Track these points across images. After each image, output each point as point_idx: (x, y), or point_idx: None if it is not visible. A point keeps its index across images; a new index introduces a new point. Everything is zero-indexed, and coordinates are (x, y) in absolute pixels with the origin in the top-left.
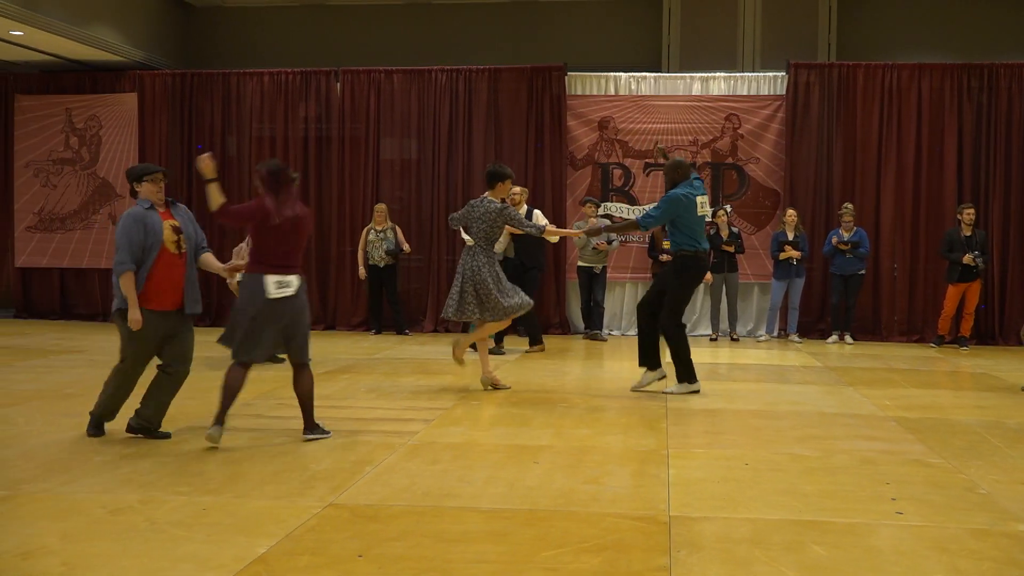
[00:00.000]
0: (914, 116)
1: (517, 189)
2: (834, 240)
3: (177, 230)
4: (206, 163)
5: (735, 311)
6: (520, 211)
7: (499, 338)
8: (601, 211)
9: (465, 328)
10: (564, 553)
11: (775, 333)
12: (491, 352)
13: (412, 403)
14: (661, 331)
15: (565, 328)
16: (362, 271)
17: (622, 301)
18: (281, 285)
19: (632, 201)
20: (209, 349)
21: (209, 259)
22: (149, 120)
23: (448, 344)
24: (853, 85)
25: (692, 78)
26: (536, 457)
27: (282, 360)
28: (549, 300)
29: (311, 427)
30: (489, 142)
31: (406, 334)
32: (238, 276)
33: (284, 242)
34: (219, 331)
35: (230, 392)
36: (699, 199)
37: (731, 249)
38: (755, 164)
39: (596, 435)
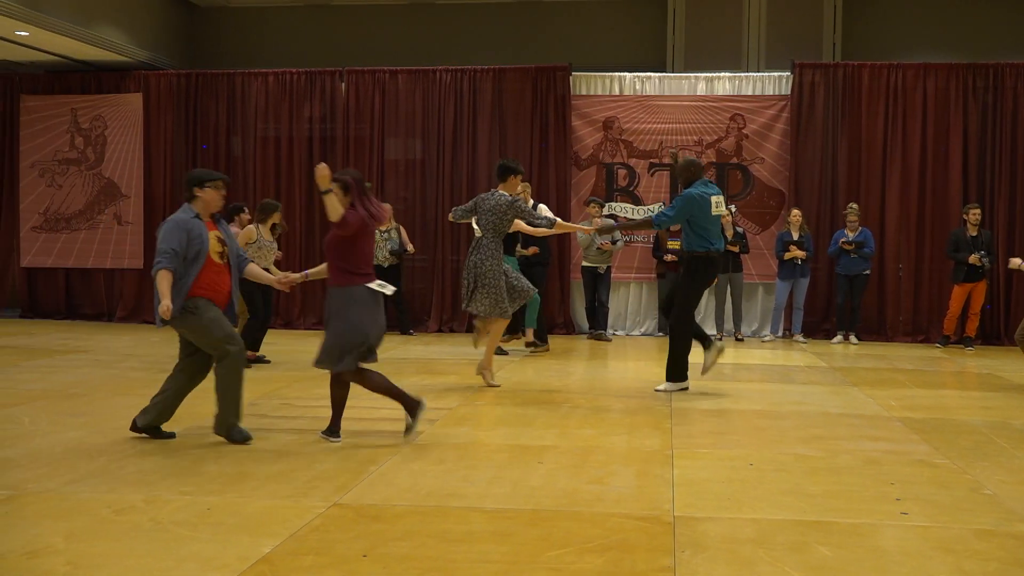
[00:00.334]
0: (919, 116)
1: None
2: (840, 240)
3: (222, 241)
4: (323, 174)
5: (740, 311)
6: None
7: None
8: (605, 211)
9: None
10: (568, 553)
11: (780, 333)
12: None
13: None
14: (669, 328)
15: (569, 328)
16: None
17: (626, 301)
18: (381, 285)
19: (637, 201)
20: None
21: (255, 269)
22: (154, 120)
23: (451, 345)
24: (858, 85)
25: (697, 78)
26: (540, 457)
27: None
28: (553, 300)
29: (411, 406)
30: (493, 142)
31: (410, 334)
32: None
33: (370, 249)
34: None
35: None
36: (714, 198)
37: (736, 249)
38: (760, 164)
39: (600, 435)
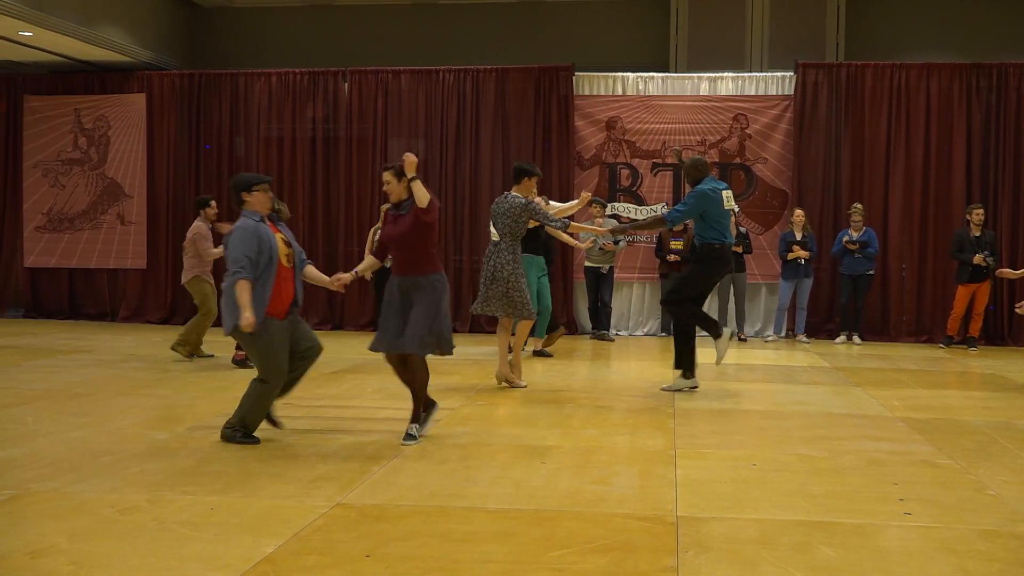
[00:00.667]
0: (923, 116)
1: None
2: (844, 240)
3: (287, 243)
4: (411, 161)
5: (743, 311)
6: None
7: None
8: (608, 211)
9: (474, 328)
10: (571, 553)
11: (783, 333)
12: (538, 354)
13: None
14: (665, 302)
15: (572, 328)
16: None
17: (629, 301)
18: None
19: (639, 201)
20: (219, 349)
21: (313, 271)
22: (157, 120)
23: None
24: (861, 85)
25: (700, 78)
26: (543, 457)
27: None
28: (557, 300)
29: (427, 406)
30: (496, 142)
31: None
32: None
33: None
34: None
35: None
36: (724, 193)
37: (739, 249)
38: (763, 164)
39: (603, 435)
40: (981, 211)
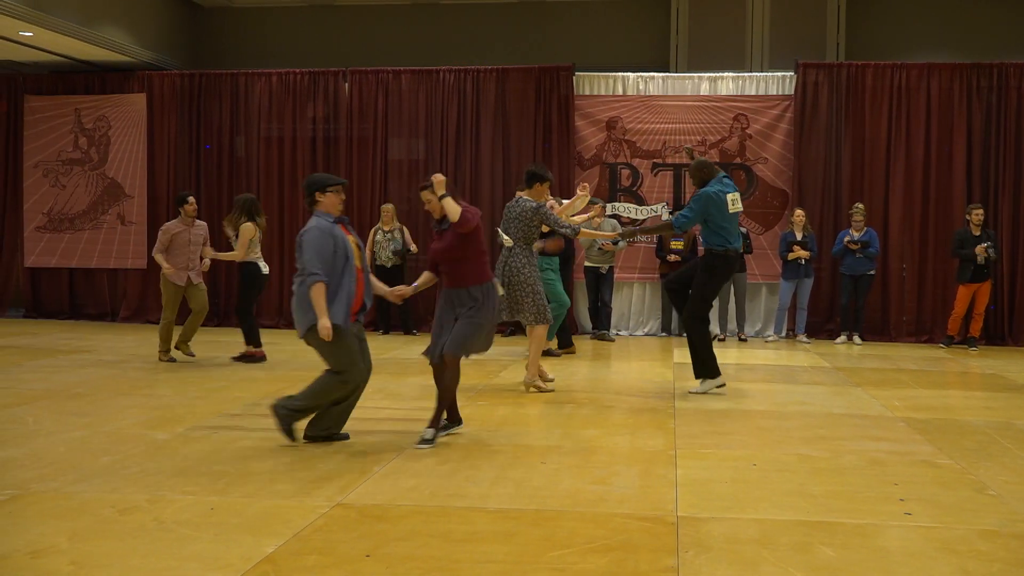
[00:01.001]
0: (923, 116)
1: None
2: (845, 240)
3: (358, 245)
4: (440, 180)
5: (743, 311)
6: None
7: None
8: (608, 212)
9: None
10: (571, 553)
11: (783, 333)
12: (547, 354)
13: (420, 403)
14: (683, 324)
15: (573, 328)
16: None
17: (630, 301)
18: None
19: (640, 201)
20: (221, 349)
21: (372, 280)
22: (158, 120)
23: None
24: (862, 85)
25: (700, 78)
26: (543, 457)
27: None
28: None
29: (453, 418)
30: (497, 142)
31: (414, 334)
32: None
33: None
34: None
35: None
36: (730, 196)
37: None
38: (763, 164)
39: (603, 435)
40: (981, 211)
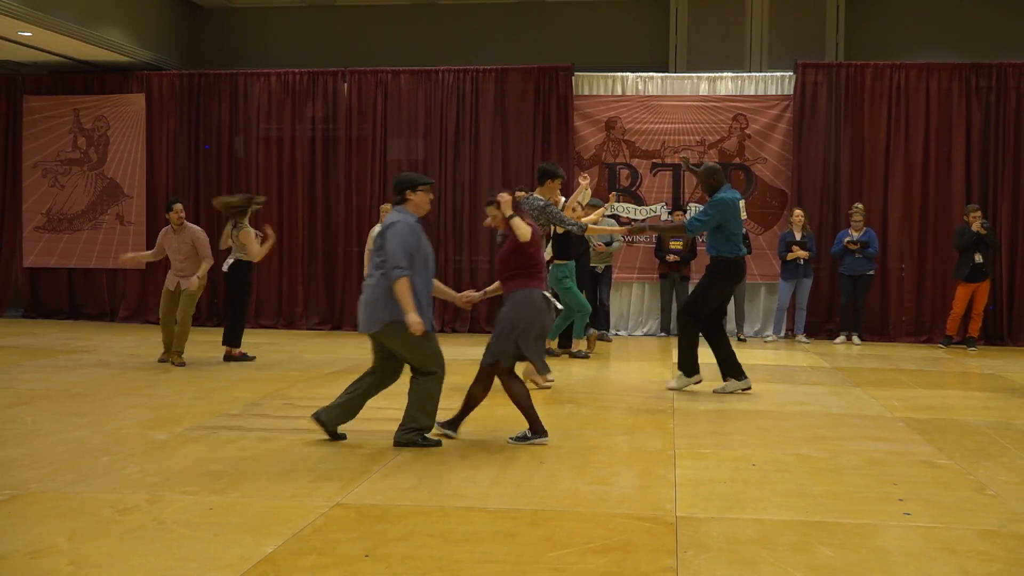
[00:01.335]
0: (922, 116)
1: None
2: (846, 240)
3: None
4: (506, 200)
5: (742, 312)
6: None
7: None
8: (607, 211)
9: (473, 328)
10: (570, 553)
11: (782, 334)
12: (572, 355)
13: None
14: (678, 317)
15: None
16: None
17: (629, 301)
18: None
19: (639, 201)
20: (220, 349)
21: (439, 284)
22: (157, 120)
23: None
24: (861, 85)
25: (699, 78)
26: (542, 458)
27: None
28: None
29: (536, 429)
30: (496, 142)
31: None
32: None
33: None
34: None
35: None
36: (740, 203)
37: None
38: (762, 164)
39: (603, 436)
40: (978, 213)
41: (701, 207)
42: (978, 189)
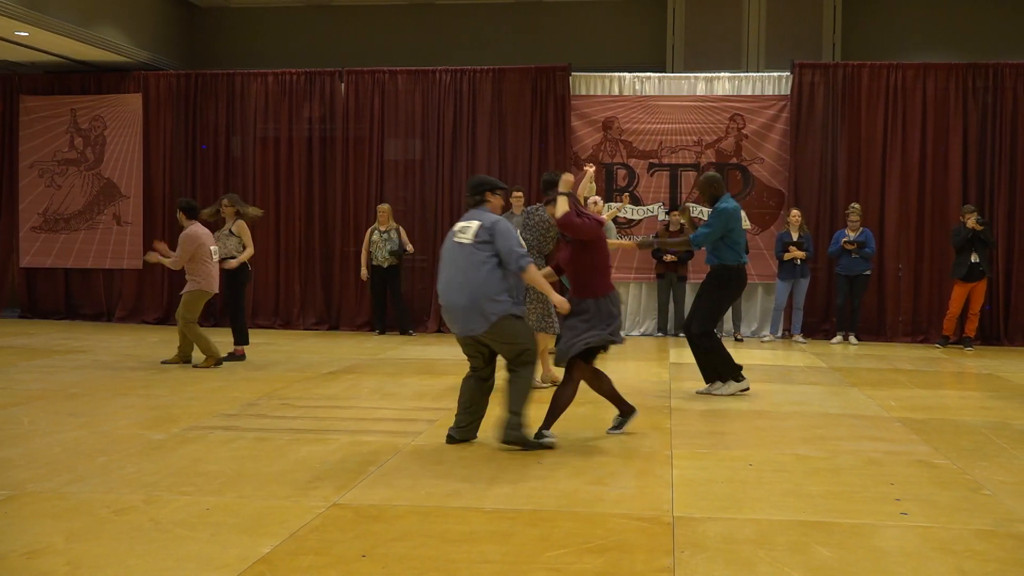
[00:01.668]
0: (919, 116)
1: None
2: (843, 241)
3: None
4: (567, 179)
5: (739, 311)
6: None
7: None
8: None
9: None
10: (567, 553)
11: (779, 334)
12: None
13: (416, 403)
14: (690, 339)
15: None
16: (364, 272)
17: (626, 302)
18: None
19: (636, 201)
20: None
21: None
22: (154, 120)
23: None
24: (858, 85)
25: (696, 78)
26: (540, 458)
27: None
28: None
29: (625, 410)
30: (493, 142)
31: (410, 334)
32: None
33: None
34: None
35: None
36: (741, 212)
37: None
38: (759, 164)
39: (599, 436)
40: (974, 215)
41: (699, 206)
42: (975, 189)
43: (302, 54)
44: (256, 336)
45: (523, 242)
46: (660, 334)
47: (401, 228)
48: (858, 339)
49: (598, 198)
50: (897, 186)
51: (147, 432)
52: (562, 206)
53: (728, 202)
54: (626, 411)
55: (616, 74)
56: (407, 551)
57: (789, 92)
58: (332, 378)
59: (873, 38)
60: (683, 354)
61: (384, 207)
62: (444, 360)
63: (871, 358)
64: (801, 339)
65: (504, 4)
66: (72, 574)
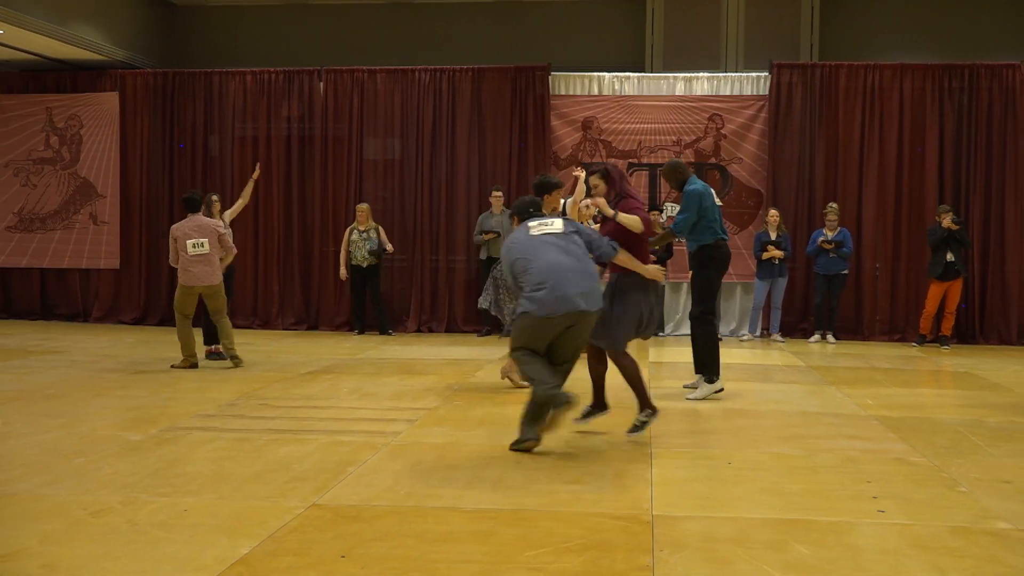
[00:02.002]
0: (896, 116)
1: (498, 194)
2: (820, 240)
3: None
4: (598, 204)
5: (718, 311)
6: (498, 215)
7: None
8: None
9: (449, 328)
10: (547, 553)
11: (758, 333)
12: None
13: (395, 403)
14: (692, 322)
15: None
16: (343, 271)
17: None
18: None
19: None
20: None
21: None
22: (131, 120)
23: (430, 345)
24: (835, 85)
25: (675, 78)
26: (519, 457)
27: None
28: None
29: (645, 404)
30: (472, 142)
31: (389, 334)
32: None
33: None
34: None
35: (638, 376)
36: (711, 190)
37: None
38: (738, 164)
39: (579, 435)
40: (950, 215)
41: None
42: (951, 189)
43: (281, 53)
44: (235, 336)
45: None
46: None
47: (380, 228)
48: (836, 338)
49: (588, 201)
50: (874, 186)
51: (125, 433)
52: (630, 219)
53: (695, 183)
54: (599, 406)
55: (595, 74)
56: (387, 551)
57: (767, 92)
58: (311, 378)
59: (850, 38)
60: (663, 353)
61: (363, 207)
62: (423, 360)
63: (849, 357)
64: (779, 338)
65: (484, 3)
66: None
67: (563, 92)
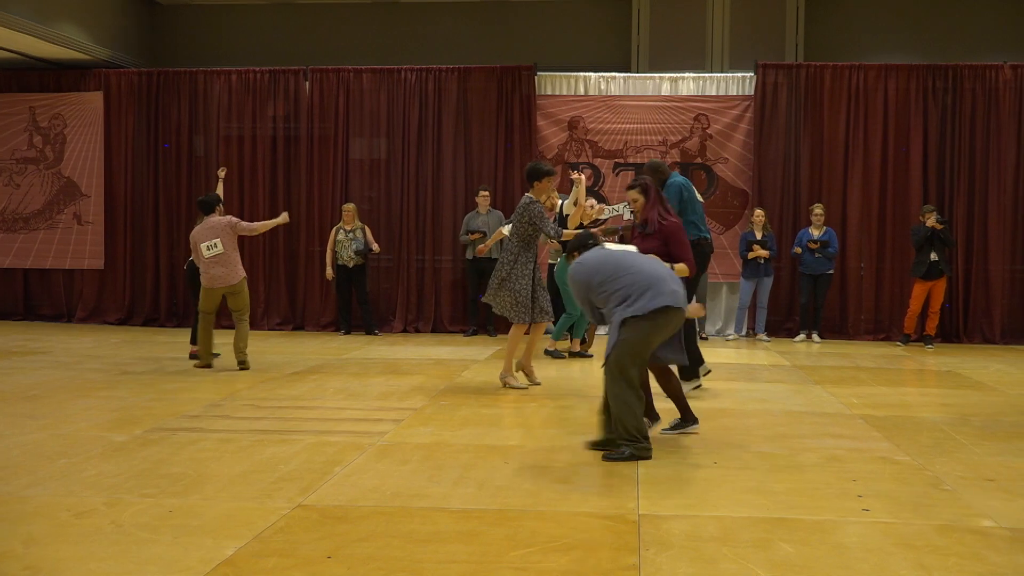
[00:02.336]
0: (880, 116)
1: (485, 193)
2: (807, 241)
3: None
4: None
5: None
6: (484, 215)
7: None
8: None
9: (436, 328)
10: (533, 552)
11: (743, 332)
12: (577, 355)
13: (382, 403)
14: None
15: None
16: (329, 271)
17: None
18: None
19: (602, 201)
20: (181, 350)
21: None
22: (115, 119)
23: (417, 345)
24: (820, 85)
25: (661, 78)
26: (506, 457)
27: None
28: None
29: (687, 417)
30: (458, 142)
31: (376, 334)
32: None
33: None
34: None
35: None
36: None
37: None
38: (724, 164)
39: (565, 435)
40: (934, 215)
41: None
42: (935, 189)
43: (266, 52)
44: (219, 337)
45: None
46: None
47: (366, 227)
48: (821, 337)
49: (594, 201)
50: (859, 186)
51: (109, 434)
52: (683, 271)
53: (676, 177)
54: (687, 417)
55: (581, 74)
56: (373, 551)
57: (753, 92)
58: (297, 378)
59: (835, 39)
60: None
61: (349, 206)
62: (409, 360)
63: (834, 356)
64: (765, 337)
65: (470, 3)
66: None
67: (549, 92)
